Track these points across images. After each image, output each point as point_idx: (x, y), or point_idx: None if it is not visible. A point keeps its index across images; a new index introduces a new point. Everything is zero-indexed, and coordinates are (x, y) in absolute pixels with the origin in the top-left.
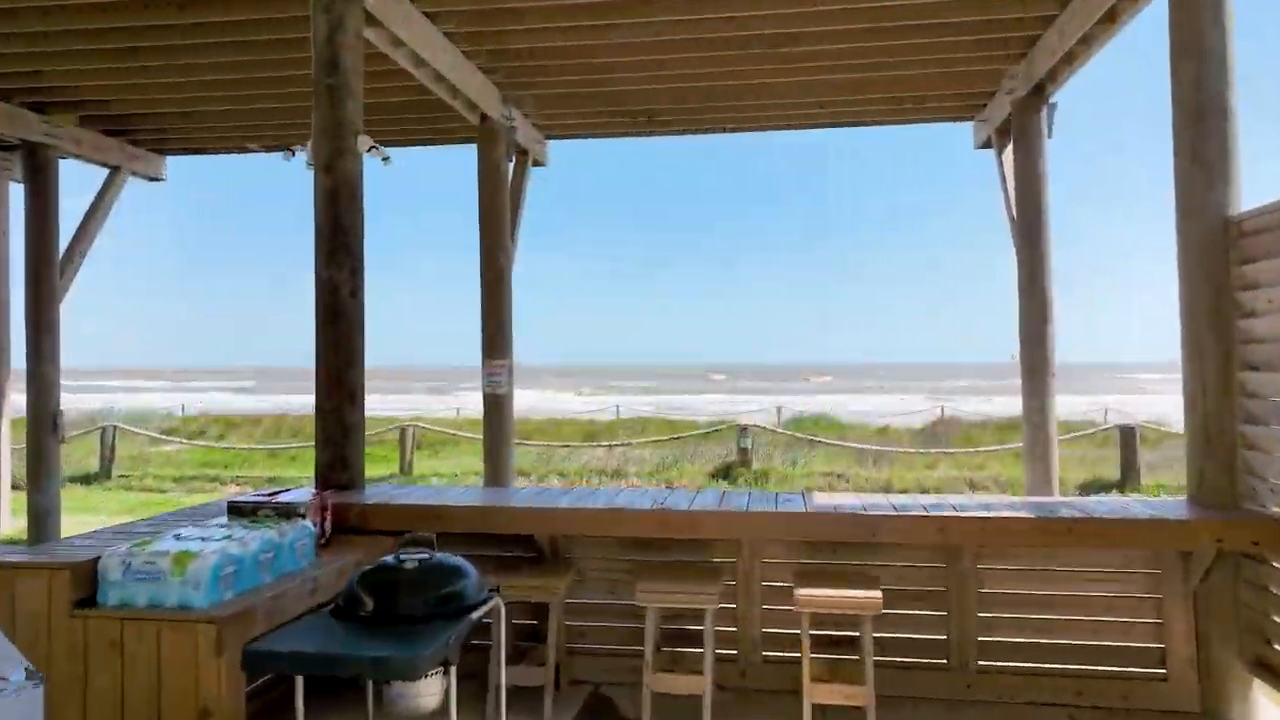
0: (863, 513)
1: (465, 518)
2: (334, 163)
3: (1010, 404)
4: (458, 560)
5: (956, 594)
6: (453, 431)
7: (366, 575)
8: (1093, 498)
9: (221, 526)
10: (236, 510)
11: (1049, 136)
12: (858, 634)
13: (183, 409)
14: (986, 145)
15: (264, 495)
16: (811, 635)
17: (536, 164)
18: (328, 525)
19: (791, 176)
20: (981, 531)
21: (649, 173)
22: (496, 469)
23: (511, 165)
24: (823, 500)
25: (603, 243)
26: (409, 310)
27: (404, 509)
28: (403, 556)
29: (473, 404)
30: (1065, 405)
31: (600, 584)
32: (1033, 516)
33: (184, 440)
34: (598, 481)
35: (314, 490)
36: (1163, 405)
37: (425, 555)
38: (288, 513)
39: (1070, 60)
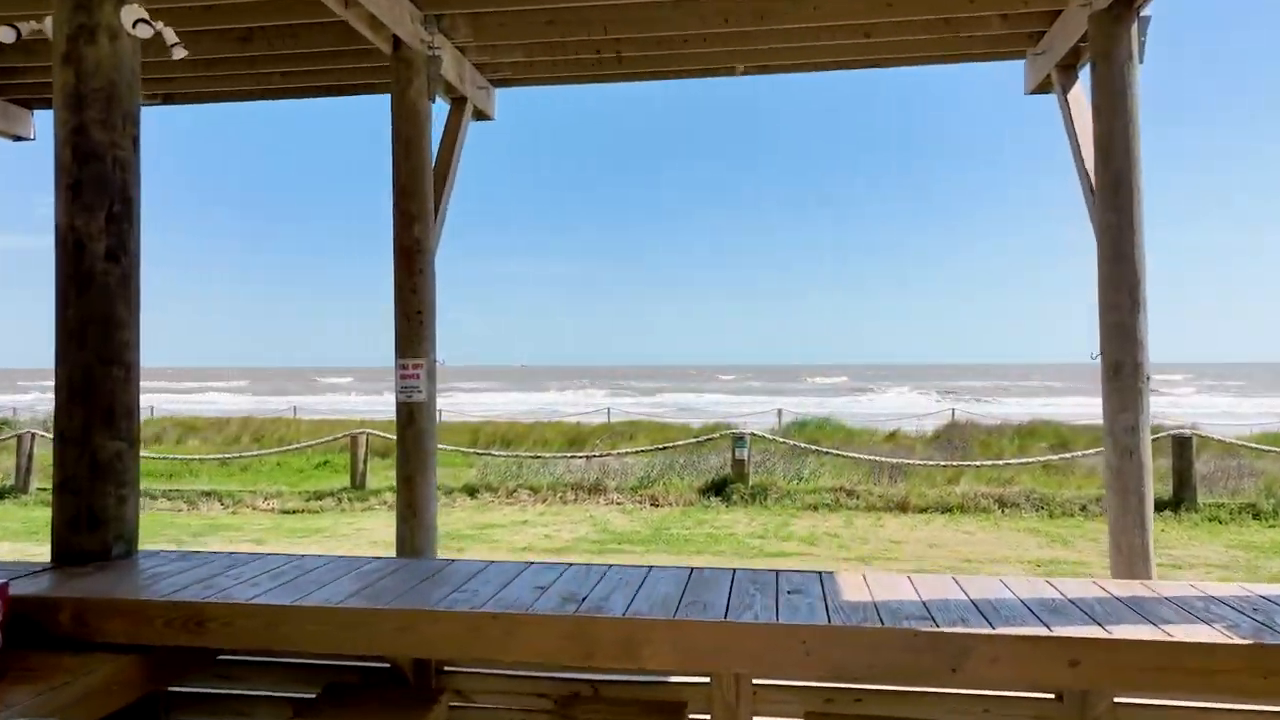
0: (933, 630)
1: (257, 624)
2: (80, 48)
3: (1022, 407)
4: None
5: None
6: None
7: None
8: None
9: None
10: None
11: (1140, 61)
12: None
13: (152, 411)
14: (1042, 89)
15: None
16: None
17: (481, 117)
18: None
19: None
20: (1145, 668)
21: (636, 128)
22: (412, 502)
23: (445, 116)
24: (854, 591)
25: (597, 231)
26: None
27: (152, 607)
28: None
29: (457, 404)
30: (1076, 408)
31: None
32: (1242, 643)
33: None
34: (573, 497)
35: None
36: (1183, 408)
37: None
38: None
39: None
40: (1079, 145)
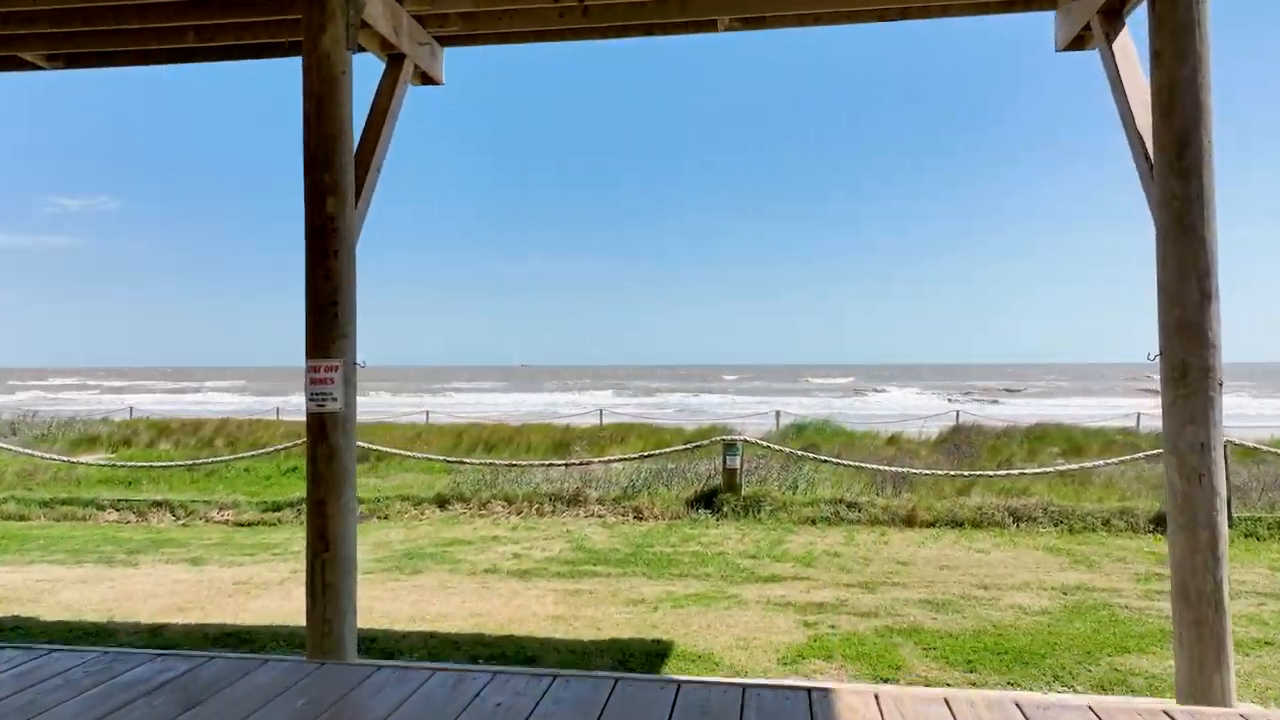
0: None
1: None
2: None
3: (1030, 409)
4: None
5: None
6: (388, 449)
7: None
8: None
9: None
10: None
11: None
12: None
13: (131, 412)
14: (1078, 44)
15: None
16: None
17: (427, 80)
18: None
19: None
20: None
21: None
22: (325, 531)
23: (379, 76)
24: None
25: (584, 224)
26: (426, 306)
27: None
28: None
29: (446, 405)
30: (1081, 409)
31: None
32: None
33: (68, 457)
34: (550, 509)
35: None
36: None
37: None
38: None
39: None
40: (1129, 104)
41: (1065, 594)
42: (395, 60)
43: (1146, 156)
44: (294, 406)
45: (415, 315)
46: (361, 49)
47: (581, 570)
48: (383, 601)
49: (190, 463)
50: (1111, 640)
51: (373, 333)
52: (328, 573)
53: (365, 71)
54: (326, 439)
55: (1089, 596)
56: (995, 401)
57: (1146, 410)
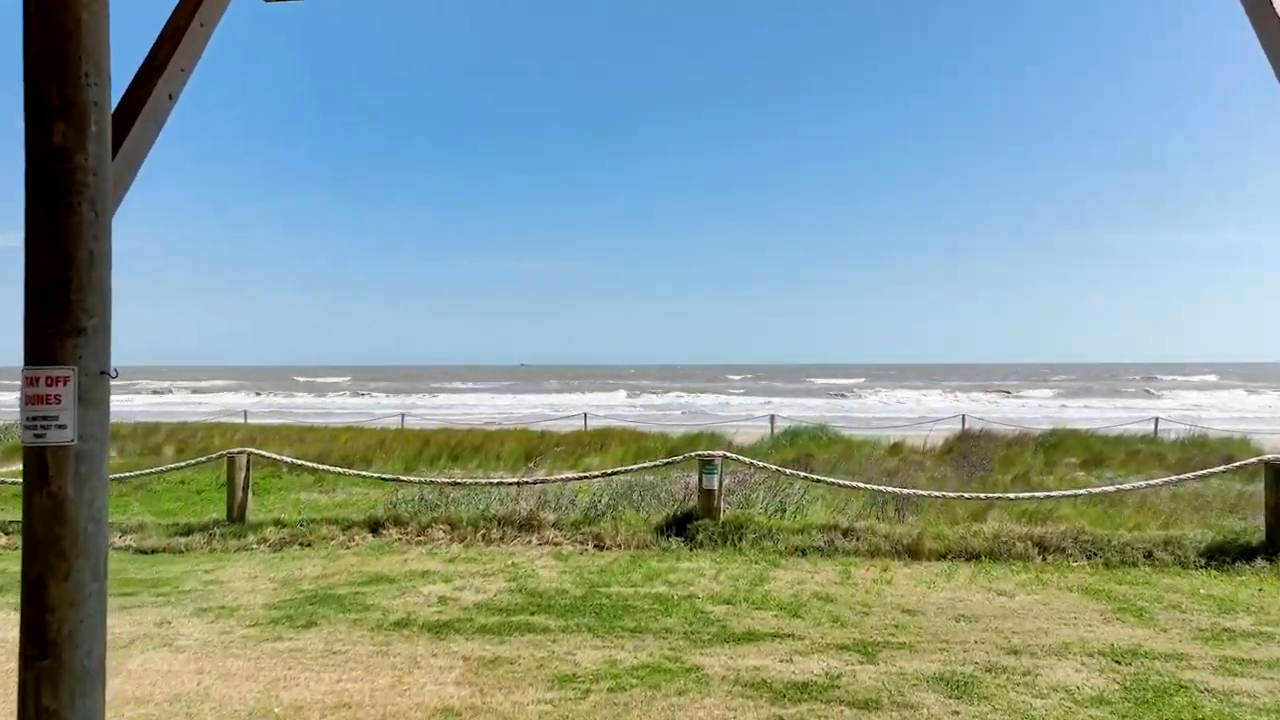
0: None
1: None
2: None
3: (1038, 409)
4: None
5: None
6: (313, 465)
7: None
8: None
9: None
10: None
11: None
12: None
13: None
14: None
15: None
16: None
17: None
18: None
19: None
20: None
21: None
22: (43, 630)
23: None
24: None
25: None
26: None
27: None
28: None
29: (440, 406)
30: (1085, 410)
31: None
32: None
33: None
34: (499, 535)
35: None
36: (1214, 413)
37: None
38: None
39: None
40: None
41: (1119, 663)
42: None
43: None
44: (265, 407)
45: (415, 315)
46: None
47: (514, 623)
48: (231, 681)
49: (120, 476)
50: None
51: (373, 333)
52: (45, 694)
53: None
54: (48, 486)
55: (1151, 669)
56: (1004, 402)
57: (1163, 414)
